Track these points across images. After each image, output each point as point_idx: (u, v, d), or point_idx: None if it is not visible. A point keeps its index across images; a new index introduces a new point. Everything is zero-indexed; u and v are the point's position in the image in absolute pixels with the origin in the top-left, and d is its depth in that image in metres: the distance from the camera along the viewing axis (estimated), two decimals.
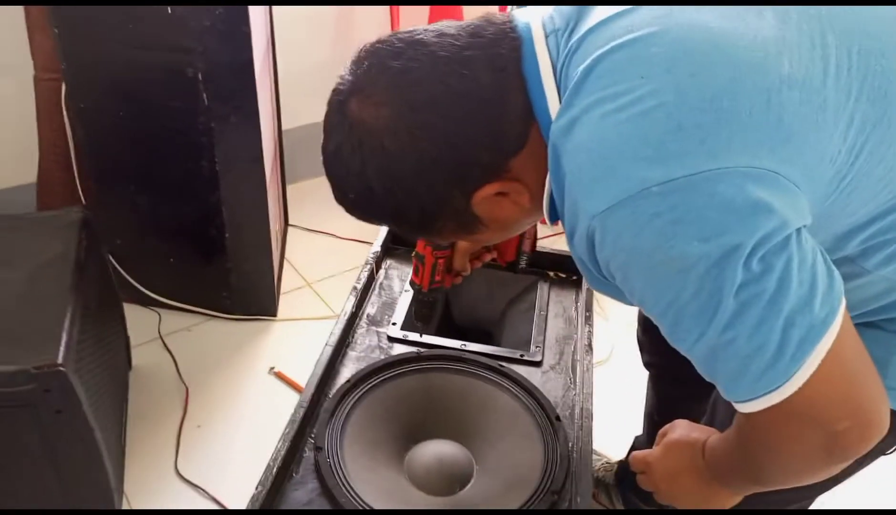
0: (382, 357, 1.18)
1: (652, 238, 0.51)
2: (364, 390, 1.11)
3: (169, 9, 1.35)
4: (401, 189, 0.62)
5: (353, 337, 1.24)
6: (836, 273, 0.53)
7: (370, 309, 1.30)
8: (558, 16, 0.62)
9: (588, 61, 0.55)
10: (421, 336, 1.15)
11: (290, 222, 2.17)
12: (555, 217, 0.62)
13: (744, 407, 0.54)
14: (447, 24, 0.62)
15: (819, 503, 0.88)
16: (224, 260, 1.69)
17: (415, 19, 2.28)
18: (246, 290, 1.77)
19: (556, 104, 0.58)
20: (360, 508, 0.92)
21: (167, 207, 1.63)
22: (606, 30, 0.55)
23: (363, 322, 1.27)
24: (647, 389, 1.32)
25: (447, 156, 0.60)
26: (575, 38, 0.58)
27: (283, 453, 0.96)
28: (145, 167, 1.58)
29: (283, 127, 2.02)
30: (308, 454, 1.01)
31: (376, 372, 1.13)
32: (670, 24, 0.53)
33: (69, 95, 1.57)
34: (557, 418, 1.08)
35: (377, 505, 0.93)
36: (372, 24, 2.32)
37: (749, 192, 0.48)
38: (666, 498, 0.80)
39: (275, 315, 1.83)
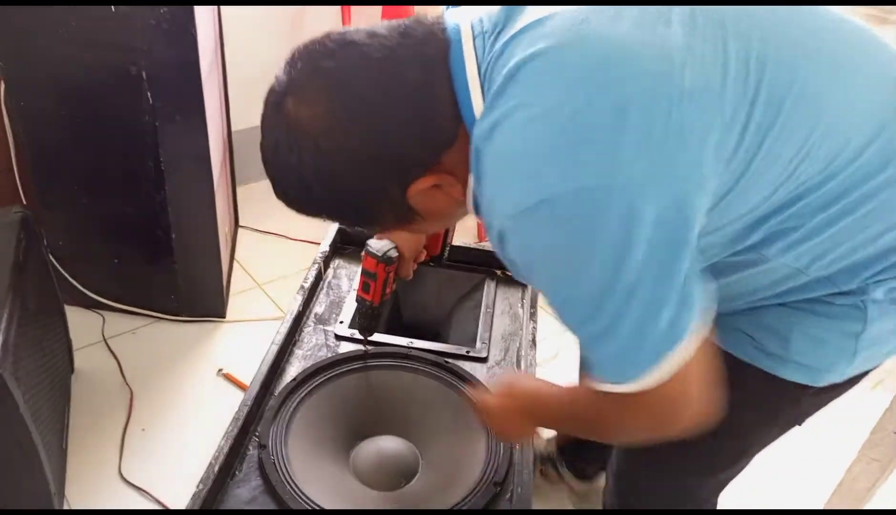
0: (329, 355, 1.19)
1: (556, 239, 0.57)
2: (310, 388, 1.11)
3: (112, 7, 1.33)
4: (338, 186, 0.64)
5: (300, 335, 1.24)
6: (697, 300, 0.59)
7: (318, 308, 1.30)
8: (487, 18, 0.63)
9: (509, 66, 0.57)
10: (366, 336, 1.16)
11: (241, 223, 2.16)
12: (478, 211, 0.65)
13: (603, 386, 0.63)
14: (379, 25, 0.64)
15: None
16: (170, 261, 1.67)
17: (367, 19, 2.29)
18: (193, 291, 1.75)
19: (480, 105, 0.61)
20: (306, 507, 0.92)
21: (111, 207, 1.60)
22: (528, 36, 0.58)
23: (311, 321, 1.27)
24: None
25: (381, 154, 0.62)
26: (500, 43, 0.60)
27: (225, 451, 0.96)
28: (88, 166, 1.55)
29: (233, 128, 2.00)
30: (252, 452, 1.01)
31: (322, 371, 1.14)
32: (586, 32, 0.56)
33: (8, 93, 1.53)
34: None
35: (321, 501, 0.94)
36: (323, 26, 2.31)
37: (644, 204, 0.54)
38: (497, 435, 0.97)
39: (223, 316, 1.82)
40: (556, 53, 0.55)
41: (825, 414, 1.71)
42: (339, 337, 1.24)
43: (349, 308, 1.28)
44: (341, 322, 1.26)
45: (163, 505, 1.33)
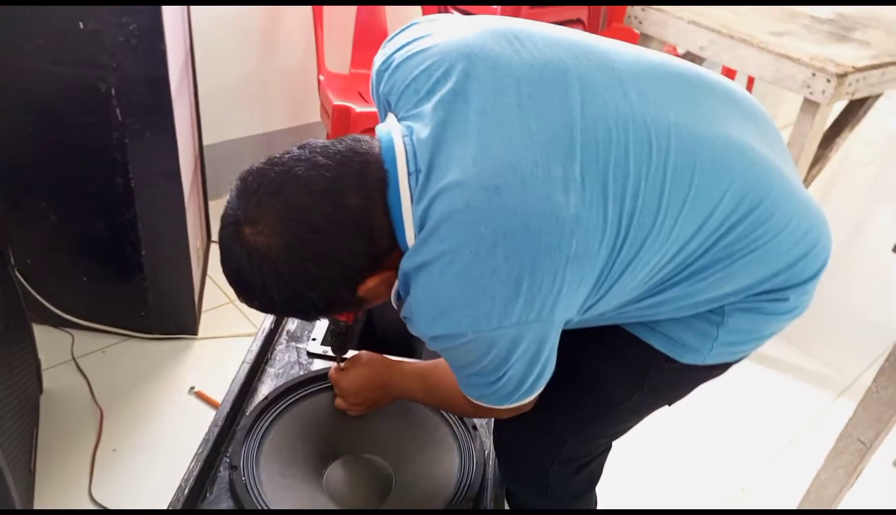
0: (302, 373, 1.19)
1: (455, 353, 0.78)
2: (282, 407, 1.11)
3: (80, 24, 1.32)
4: (297, 297, 0.75)
5: (272, 353, 1.23)
6: (548, 372, 0.81)
7: (290, 325, 1.30)
8: (420, 151, 0.72)
9: (435, 218, 0.70)
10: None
11: (214, 238, 2.14)
12: (398, 305, 0.80)
13: (469, 398, 0.84)
14: (314, 150, 0.73)
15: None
16: (141, 279, 1.65)
17: (340, 20, 2.29)
18: (164, 309, 1.73)
19: (411, 237, 0.73)
20: None
21: (80, 224, 1.58)
22: (452, 193, 0.70)
23: (283, 338, 1.27)
24: None
25: (332, 271, 0.73)
26: (429, 193, 0.71)
27: (195, 473, 0.95)
28: (56, 183, 1.53)
29: (205, 142, 1.99)
30: (223, 473, 1.00)
31: (294, 389, 1.14)
32: (497, 204, 0.69)
33: None
34: (474, 427, 1.10)
35: None
36: (295, 40, 2.33)
37: (522, 340, 0.74)
38: (347, 401, 1.09)
39: (195, 333, 1.80)
40: (473, 219, 0.69)
41: (791, 423, 1.74)
42: (311, 355, 1.24)
43: (321, 325, 1.28)
44: (314, 339, 1.26)
45: None
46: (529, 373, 0.78)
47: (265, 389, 1.15)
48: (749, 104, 0.86)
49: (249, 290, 0.75)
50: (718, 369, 0.92)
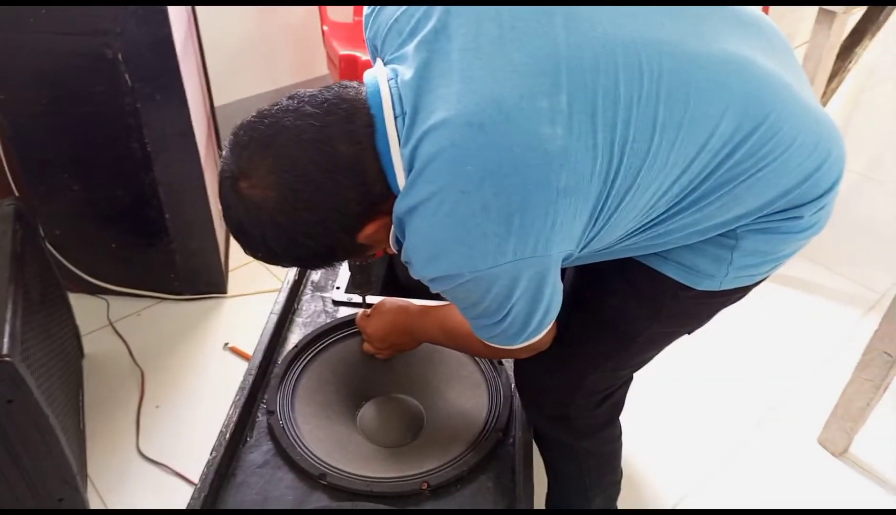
0: (328, 321, 1.22)
1: (456, 292, 0.77)
2: (312, 354, 1.14)
3: None
4: (297, 247, 0.76)
5: (298, 304, 1.27)
6: (554, 309, 0.81)
7: (314, 276, 1.33)
8: (405, 93, 0.72)
9: (423, 158, 0.70)
10: (364, 298, 1.19)
11: None
12: (398, 250, 0.80)
13: (481, 338, 0.86)
14: (302, 100, 0.73)
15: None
16: (167, 241, 1.69)
17: None
18: (193, 269, 1.77)
19: (402, 179, 0.73)
20: (316, 466, 0.96)
21: (103, 192, 1.61)
22: (436, 135, 0.69)
23: (308, 289, 1.30)
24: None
25: (329, 218, 0.74)
26: (416, 133, 0.70)
27: (234, 419, 0.99)
28: (76, 154, 1.56)
29: (216, 103, 2.00)
30: (261, 418, 1.05)
31: (323, 336, 1.17)
32: (482, 142, 0.68)
33: None
34: (500, 362, 1.13)
35: (330, 460, 0.97)
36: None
37: (520, 278, 0.73)
38: (374, 346, 1.13)
39: (224, 291, 1.84)
40: (460, 157, 0.68)
41: (818, 342, 1.74)
42: (336, 303, 1.26)
43: (344, 273, 1.31)
44: (338, 288, 1.29)
45: (182, 477, 1.37)
46: (534, 311, 0.78)
47: (294, 338, 1.19)
48: (752, 17, 0.82)
49: (251, 243, 0.77)
50: (737, 293, 0.90)
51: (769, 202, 0.79)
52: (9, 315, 1.07)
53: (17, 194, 1.67)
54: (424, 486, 0.95)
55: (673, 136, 0.72)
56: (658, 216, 0.78)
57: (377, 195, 0.74)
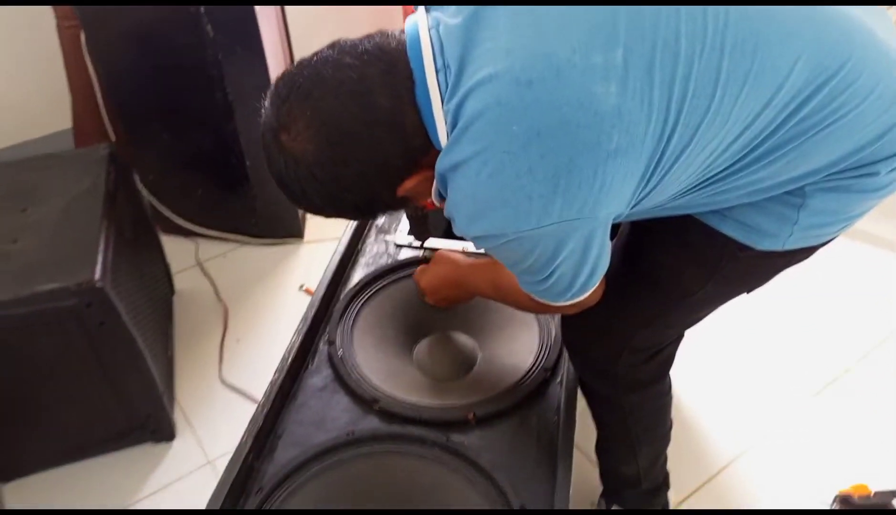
0: (389, 262, 1.27)
1: (501, 251, 0.76)
2: (373, 291, 1.20)
3: None
4: (337, 200, 0.76)
5: (362, 245, 1.33)
6: (601, 268, 0.79)
7: (378, 220, 1.38)
8: (448, 45, 0.69)
9: (468, 114, 0.67)
10: (422, 245, 1.23)
11: None
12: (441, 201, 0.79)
13: (528, 294, 0.84)
14: (343, 49, 0.72)
15: None
16: (248, 188, 1.79)
17: None
18: (272, 215, 1.87)
19: (444, 136, 0.71)
20: (370, 392, 1.02)
21: (189, 141, 1.72)
22: (483, 89, 0.66)
23: (372, 232, 1.35)
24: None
25: (368, 172, 0.73)
26: (461, 90, 0.68)
27: (296, 346, 1.07)
28: (164, 104, 1.67)
29: (297, 58, 2.06)
30: (322, 348, 1.12)
31: (383, 275, 1.23)
32: (530, 99, 0.65)
33: (88, 41, 1.66)
34: None
35: (385, 388, 1.03)
36: None
37: (567, 241, 0.72)
38: (429, 295, 1.15)
39: (301, 237, 1.94)
40: (506, 116, 0.66)
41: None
42: (398, 246, 1.31)
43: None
44: (400, 231, 1.34)
45: (258, 402, 1.48)
46: (581, 271, 0.77)
47: (357, 276, 1.25)
48: None
49: (292, 194, 0.77)
50: (801, 254, 0.84)
51: (841, 158, 0.74)
52: (101, 247, 1.19)
53: (114, 141, 1.81)
54: (471, 416, 1.00)
55: (737, 91, 0.68)
56: (717, 174, 0.75)
57: (417, 149, 0.73)
